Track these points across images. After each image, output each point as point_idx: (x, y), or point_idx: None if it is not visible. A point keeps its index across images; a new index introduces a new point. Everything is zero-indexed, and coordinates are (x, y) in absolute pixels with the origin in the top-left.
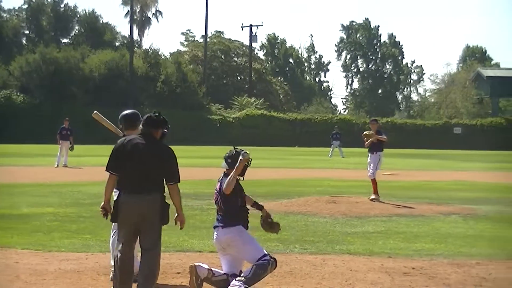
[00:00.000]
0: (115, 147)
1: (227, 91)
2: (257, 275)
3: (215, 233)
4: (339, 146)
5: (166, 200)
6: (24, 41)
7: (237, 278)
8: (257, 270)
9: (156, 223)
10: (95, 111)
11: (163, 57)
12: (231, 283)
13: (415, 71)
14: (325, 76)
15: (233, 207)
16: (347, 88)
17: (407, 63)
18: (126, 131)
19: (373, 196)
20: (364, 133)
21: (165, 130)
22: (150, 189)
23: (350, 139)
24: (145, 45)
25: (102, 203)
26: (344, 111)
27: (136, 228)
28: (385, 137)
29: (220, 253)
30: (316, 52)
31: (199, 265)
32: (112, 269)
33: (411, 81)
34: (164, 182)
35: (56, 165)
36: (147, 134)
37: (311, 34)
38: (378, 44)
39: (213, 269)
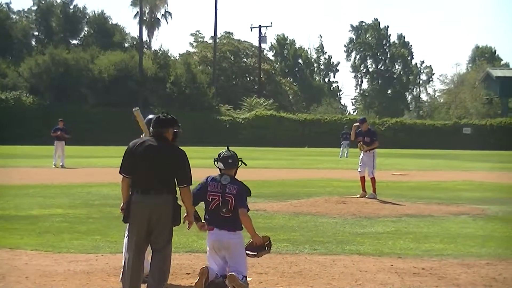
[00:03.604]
0: (127, 149)
1: (237, 92)
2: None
3: (215, 233)
4: (347, 146)
5: (178, 201)
6: (33, 43)
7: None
8: (245, 285)
9: (168, 224)
10: (136, 108)
11: (172, 58)
12: (234, 271)
13: (425, 71)
14: (334, 77)
15: (237, 213)
16: (357, 88)
17: (416, 64)
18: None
19: (369, 195)
20: (359, 146)
21: (176, 130)
22: (161, 190)
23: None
24: (155, 46)
25: (122, 204)
26: (353, 112)
27: (148, 229)
28: (377, 143)
29: (213, 252)
30: (326, 52)
31: (211, 267)
32: (122, 269)
33: (421, 82)
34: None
35: (53, 165)
36: (158, 135)
37: (320, 35)
38: (388, 44)
39: (216, 272)
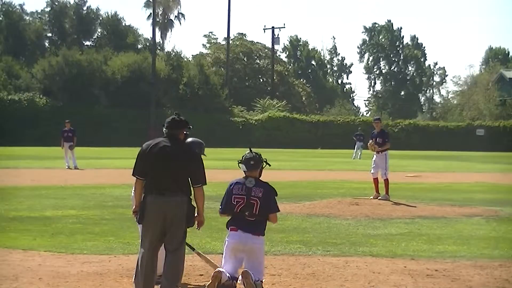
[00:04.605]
0: (140, 151)
1: (250, 93)
2: None
3: (238, 234)
4: (361, 148)
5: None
6: (47, 44)
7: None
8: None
9: (182, 225)
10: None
11: (185, 59)
12: (250, 273)
13: (438, 73)
14: (347, 78)
15: (265, 219)
16: (370, 90)
17: (429, 65)
18: None
19: (382, 197)
20: (369, 146)
21: (186, 132)
22: (176, 191)
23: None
24: (168, 47)
25: (133, 207)
26: (366, 113)
27: (162, 229)
28: (388, 144)
29: (231, 253)
30: (339, 54)
31: (224, 271)
32: (135, 270)
33: (434, 83)
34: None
35: (66, 167)
36: (172, 136)
37: (333, 36)
38: (401, 46)
39: (227, 274)
